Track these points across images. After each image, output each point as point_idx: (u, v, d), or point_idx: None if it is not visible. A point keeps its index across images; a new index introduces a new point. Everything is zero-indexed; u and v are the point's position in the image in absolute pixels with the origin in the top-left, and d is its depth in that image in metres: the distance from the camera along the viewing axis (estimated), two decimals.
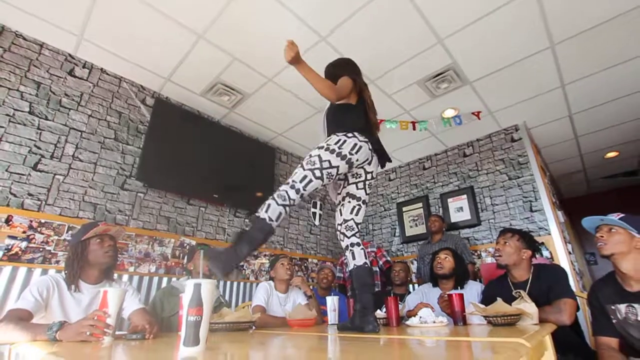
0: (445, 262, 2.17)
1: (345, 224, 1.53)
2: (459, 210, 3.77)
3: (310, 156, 1.39)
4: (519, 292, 1.55)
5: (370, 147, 1.50)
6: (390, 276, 2.99)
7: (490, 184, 3.65)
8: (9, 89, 2.21)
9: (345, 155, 1.40)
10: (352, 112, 1.61)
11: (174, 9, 2.20)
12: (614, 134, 3.93)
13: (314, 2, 2.16)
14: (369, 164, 1.54)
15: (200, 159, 3.01)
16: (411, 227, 4.11)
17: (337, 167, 1.38)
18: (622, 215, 1.51)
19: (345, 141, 1.42)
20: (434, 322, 1.63)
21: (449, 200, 3.88)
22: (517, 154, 3.55)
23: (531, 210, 3.29)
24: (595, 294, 1.60)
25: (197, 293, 0.89)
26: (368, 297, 1.37)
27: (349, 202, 1.55)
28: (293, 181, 1.33)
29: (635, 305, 1.43)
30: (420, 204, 4.11)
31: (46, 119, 2.32)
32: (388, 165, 4.59)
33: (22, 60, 2.30)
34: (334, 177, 1.40)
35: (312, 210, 4.13)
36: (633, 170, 4.99)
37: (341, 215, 1.56)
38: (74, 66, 2.54)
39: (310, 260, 3.84)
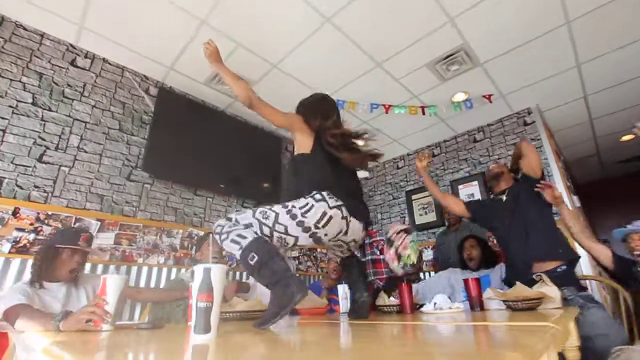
0: (473, 251, 2.24)
1: None
2: (470, 197, 3.69)
3: (270, 209, 1.15)
4: (540, 276, 1.49)
5: (345, 214, 1.17)
6: None
7: None
8: (11, 80, 2.18)
9: (309, 228, 1.12)
10: (309, 164, 1.28)
11: None
12: (630, 116, 3.79)
13: None
14: (345, 234, 1.22)
15: (206, 149, 2.97)
16: (421, 215, 4.05)
17: (296, 237, 1.14)
18: None
19: (312, 207, 1.12)
20: (450, 307, 1.59)
21: (460, 187, 3.80)
22: (530, 138, 3.44)
23: None
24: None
25: (207, 278, 0.85)
26: (353, 272, 1.42)
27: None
28: (236, 219, 1.14)
29: None
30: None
31: (49, 110, 2.29)
32: (396, 153, 4.51)
33: (23, 51, 2.26)
34: (289, 245, 1.17)
35: None
36: None
37: None
38: (75, 56, 2.50)
39: (319, 250, 3.81)
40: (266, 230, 1.12)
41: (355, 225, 1.23)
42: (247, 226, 1.11)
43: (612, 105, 3.57)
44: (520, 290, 1.43)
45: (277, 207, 1.15)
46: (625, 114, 3.73)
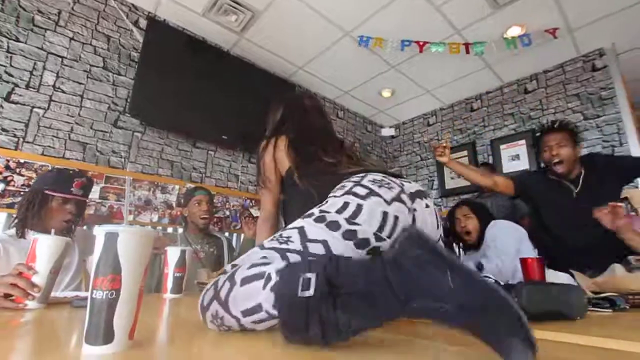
0: (469, 223, 1.77)
1: None
2: (514, 158, 3.15)
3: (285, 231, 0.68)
4: None
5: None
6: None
7: None
8: None
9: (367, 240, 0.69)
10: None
11: None
12: None
13: None
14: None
15: (208, 95, 2.57)
16: (452, 178, 3.56)
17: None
18: None
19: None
20: None
21: (502, 146, 3.24)
22: (599, 87, 2.79)
23: None
24: None
25: (110, 250, 0.49)
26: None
27: None
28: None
29: None
30: (466, 152, 3.50)
31: (17, 40, 1.93)
32: (427, 107, 3.94)
33: None
34: None
35: None
36: None
37: None
38: None
39: None
40: (293, 257, 0.59)
41: None
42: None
43: None
44: (620, 278, 0.99)
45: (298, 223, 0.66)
46: None
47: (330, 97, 3.71)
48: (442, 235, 0.79)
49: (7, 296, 0.78)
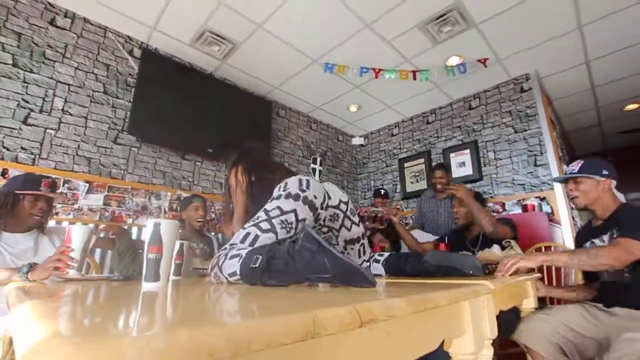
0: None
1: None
2: (461, 165, 3.68)
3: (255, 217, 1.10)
4: (509, 242, 1.53)
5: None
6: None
7: (495, 137, 3.51)
8: None
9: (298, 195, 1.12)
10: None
11: None
12: (635, 84, 3.65)
13: None
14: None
15: (194, 113, 2.96)
16: (412, 183, 4.07)
17: (294, 210, 1.07)
18: (582, 162, 1.49)
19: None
20: None
21: (452, 155, 3.78)
22: (526, 106, 3.36)
23: (535, 165, 3.18)
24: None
25: (156, 231, 0.90)
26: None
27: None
28: (230, 244, 1.03)
29: (596, 240, 1.44)
30: (422, 160, 4.02)
31: (31, 71, 2.28)
32: (391, 120, 4.45)
33: None
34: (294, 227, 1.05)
35: (312, 166, 4.11)
36: None
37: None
38: (54, 15, 2.44)
39: None
40: (265, 225, 0.99)
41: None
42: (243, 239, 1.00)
43: (616, 72, 3.42)
44: (486, 254, 1.47)
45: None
46: (630, 81, 3.58)
47: (305, 112, 4.15)
48: (348, 201, 1.22)
49: (55, 269, 1.16)
